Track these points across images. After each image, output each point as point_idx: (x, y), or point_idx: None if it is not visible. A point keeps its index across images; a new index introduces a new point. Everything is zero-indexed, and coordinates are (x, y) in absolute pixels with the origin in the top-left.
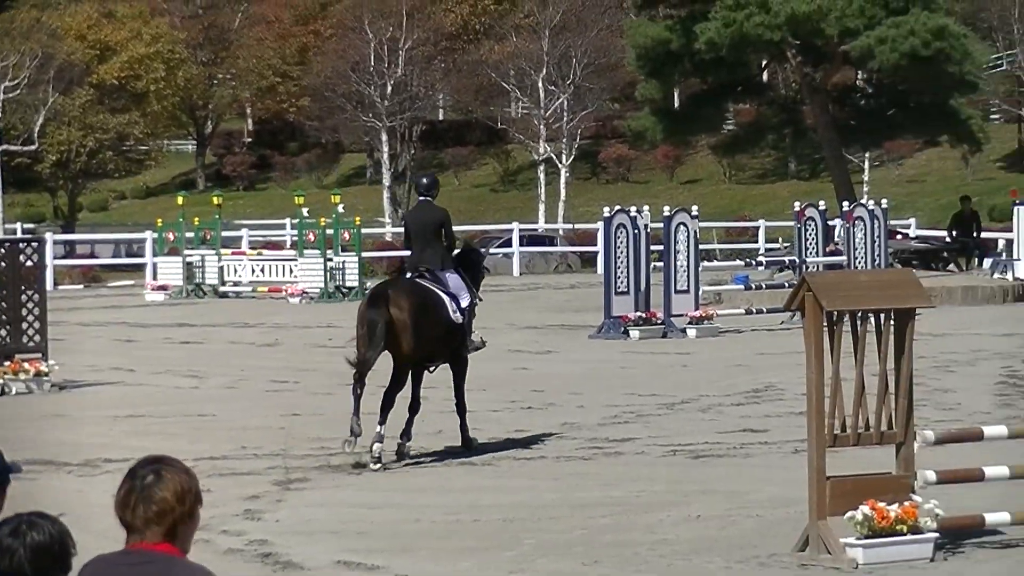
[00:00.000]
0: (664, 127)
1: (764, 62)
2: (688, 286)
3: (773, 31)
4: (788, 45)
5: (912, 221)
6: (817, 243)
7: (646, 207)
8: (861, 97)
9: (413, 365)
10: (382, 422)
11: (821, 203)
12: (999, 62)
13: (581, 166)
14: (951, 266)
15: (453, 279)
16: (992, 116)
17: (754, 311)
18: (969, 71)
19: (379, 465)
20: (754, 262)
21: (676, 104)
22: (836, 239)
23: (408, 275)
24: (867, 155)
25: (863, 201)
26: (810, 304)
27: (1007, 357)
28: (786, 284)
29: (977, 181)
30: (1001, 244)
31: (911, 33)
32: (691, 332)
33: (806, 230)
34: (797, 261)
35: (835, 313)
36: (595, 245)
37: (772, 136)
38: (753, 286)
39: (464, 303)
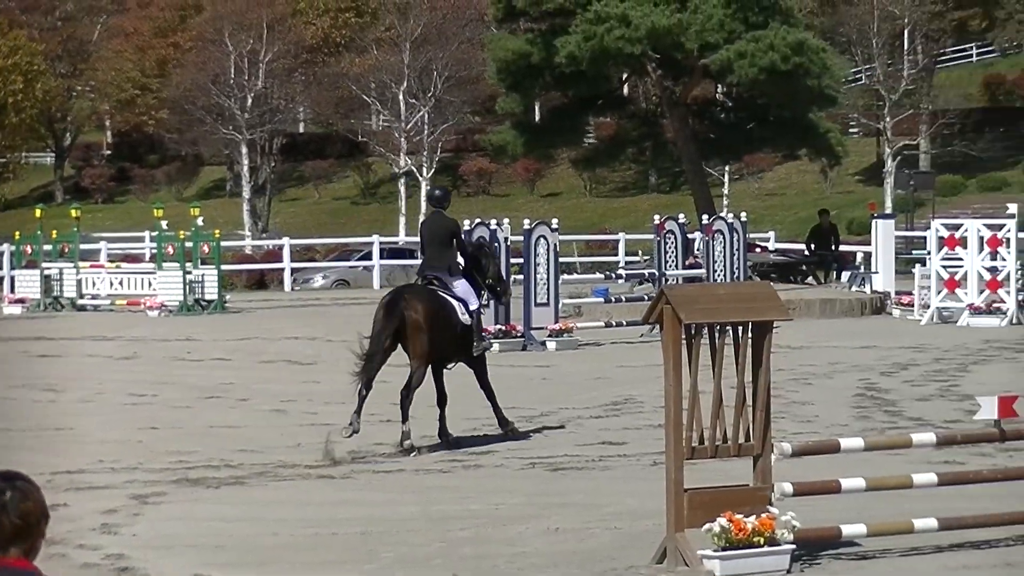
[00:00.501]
0: (525, 140)
1: (625, 76)
2: (548, 299)
3: (633, 45)
4: (648, 59)
5: (771, 234)
6: (677, 256)
7: (506, 220)
8: (721, 111)
9: (432, 365)
10: (404, 419)
11: (681, 216)
12: (857, 76)
13: (442, 179)
14: (809, 279)
15: (461, 285)
16: (851, 130)
17: (614, 324)
18: (828, 85)
19: (415, 453)
20: (614, 275)
21: (537, 118)
22: (696, 252)
23: (420, 281)
24: (727, 168)
25: (722, 214)
26: (668, 317)
27: (864, 370)
28: (645, 297)
29: (836, 194)
30: (859, 257)
31: (770, 48)
32: (551, 345)
33: (666, 243)
34: (656, 274)
35: (693, 326)
36: None
37: (632, 150)
38: (613, 299)
39: (472, 306)
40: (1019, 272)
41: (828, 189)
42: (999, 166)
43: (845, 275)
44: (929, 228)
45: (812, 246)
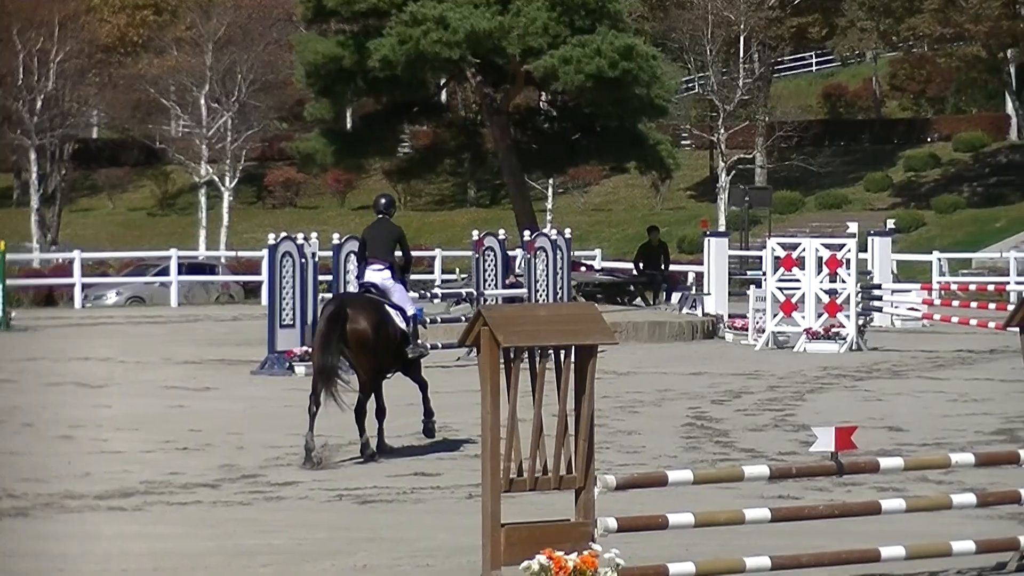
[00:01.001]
0: (335, 149)
1: (442, 82)
2: None
3: (452, 49)
4: (467, 64)
5: (597, 252)
6: (496, 274)
7: (315, 235)
8: (544, 120)
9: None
10: (362, 431)
11: (501, 232)
12: (690, 85)
13: (246, 190)
14: (637, 300)
15: (398, 291)
16: (683, 142)
17: (428, 347)
18: (658, 94)
19: (377, 459)
20: (429, 294)
21: (348, 125)
22: (516, 270)
23: (358, 289)
24: (551, 181)
25: (546, 230)
26: (486, 339)
27: (695, 397)
28: (463, 318)
29: (666, 210)
30: (690, 277)
31: (597, 53)
32: None
33: (485, 260)
34: (475, 293)
35: (512, 349)
36: (259, 274)
37: (450, 160)
38: (428, 320)
39: (409, 312)
40: (859, 295)
41: (658, 204)
42: (839, 182)
43: (675, 296)
44: (765, 247)
45: (641, 265)
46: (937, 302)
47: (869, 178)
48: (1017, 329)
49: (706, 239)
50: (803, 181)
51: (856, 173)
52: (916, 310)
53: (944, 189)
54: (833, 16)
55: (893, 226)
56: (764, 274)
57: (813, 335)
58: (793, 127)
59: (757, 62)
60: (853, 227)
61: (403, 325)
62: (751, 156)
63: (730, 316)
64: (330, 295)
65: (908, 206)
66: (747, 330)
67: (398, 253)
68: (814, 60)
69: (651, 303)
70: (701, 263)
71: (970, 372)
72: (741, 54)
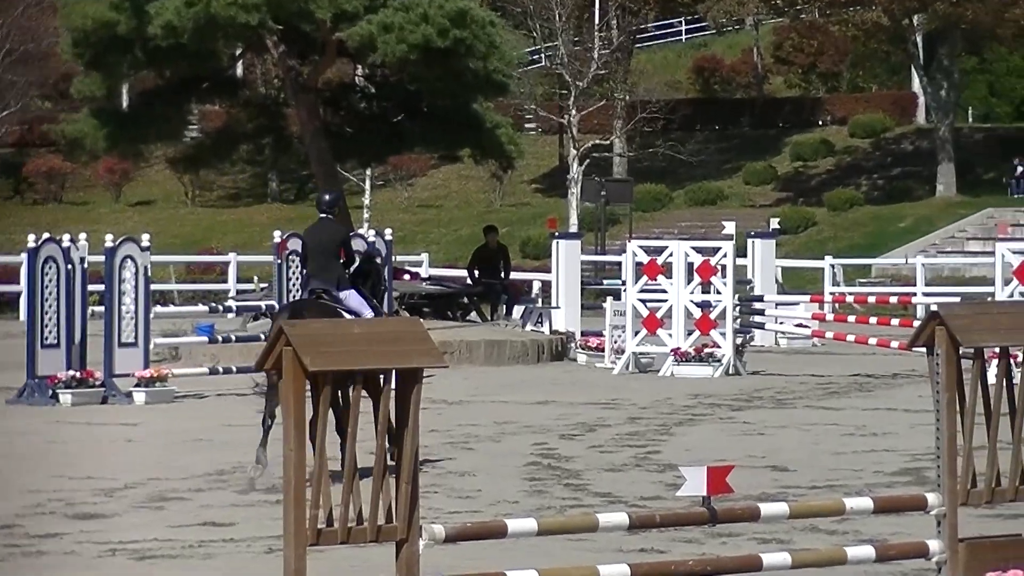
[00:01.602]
0: (108, 133)
1: (238, 52)
2: (136, 338)
3: (249, 13)
4: (268, 31)
5: (424, 257)
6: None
7: (83, 236)
8: (361, 98)
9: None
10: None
11: None
12: (536, 57)
13: (1, 182)
14: (472, 315)
15: (352, 297)
16: (527, 126)
17: (220, 370)
18: (497, 68)
19: None
20: (223, 307)
21: (124, 104)
22: None
23: (305, 295)
24: (368, 172)
25: (362, 231)
26: (289, 362)
27: (541, 431)
28: (262, 336)
29: (507, 207)
30: (535, 287)
31: (424, 19)
32: (139, 397)
33: (289, 267)
34: (276, 306)
35: (320, 374)
36: (17, 284)
37: (247, 146)
38: (220, 338)
39: (367, 317)
40: (737, 309)
41: (497, 200)
42: (713, 173)
43: (518, 310)
44: (624, 251)
45: (476, 273)
46: (830, 317)
47: (749, 169)
48: (924, 350)
49: (555, 242)
50: (671, 172)
51: (734, 163)
52: (805, 327)
53: (838, 182)
54: None
55: (777, 226)
56: (623, 283)
57: (682, 357)
58: (659, 107)
59: (616, 30)
60: (730, 227)
61: None
62: (608, 142)
63: (583, 334)
64: (100, 308)
65: (796, 202)
66: (603, 350)
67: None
68: (684, 28)
69: (488, 318)
70: (549, 270)
71: (869, 401)
72: (596, 20)
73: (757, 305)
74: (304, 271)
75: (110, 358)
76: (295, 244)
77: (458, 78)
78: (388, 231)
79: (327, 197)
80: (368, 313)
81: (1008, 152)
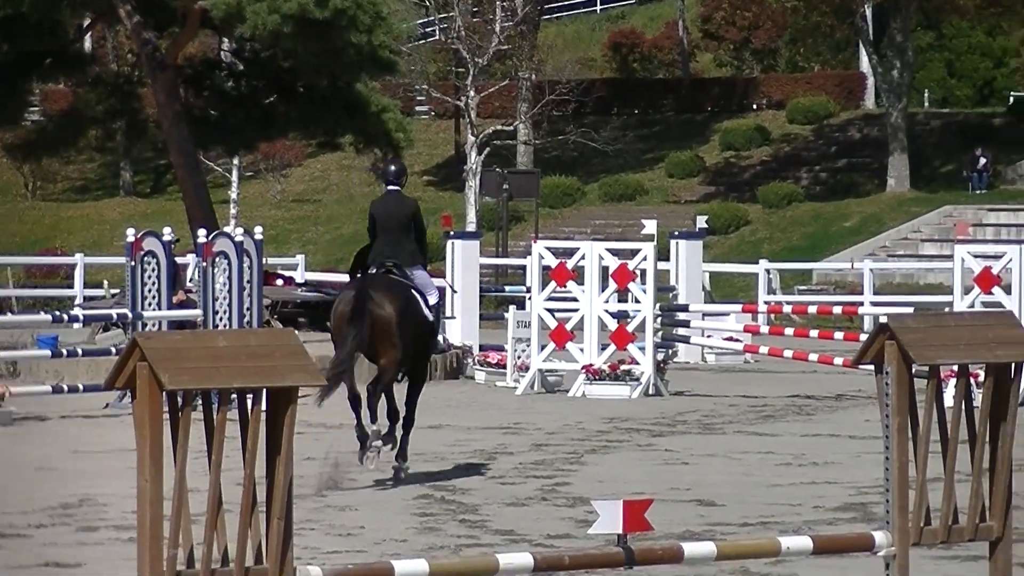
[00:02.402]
0: None
1: (86, 23)
2: None
3: None
4: (121, 0)
5: (300, 259)
6: (160, 289)
7: None
8: (227, 77)
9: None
10: (373, 419)
11: (167, 231)
12: (428, 31)
13: None
14: None
15: (420, 275)
16: (419, 109)
17: (65, 389)
18: (383, 43)
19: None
20: (68, 316)
21: None
22: (189, 283)
23: (374, 270)
24: (236, 162)
25: (229, 229)
26: (144, 380)
27: (432, 460)
28: (114, 349)
29: None
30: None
31: None
32: None
33: (144, 270)
34: (130, 316)
35: (180, 393)
36: None
37: (97, 131)
38: (65, 352)
39: (432, 300)
40: (658, 320)
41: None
42: (632, 164)
43: None
44: (530, 254)
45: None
46: (765, 330)
47: (673, 159)
48: (872, 367)
49: (449, 242)
50: (583, 163)
51: (655, 153)
52: (736, 341)
53: (775, 174)
54: None
55: (705, 225)
56: (528, 291)
57: (595, 374)
58: (569, 89)
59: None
60: (651, 226)
61: (429, 315)
62: (512, 128)
63: (481, 348)
64: None
65: (726, 198)
66: (504, 367)
67: None
68: None
69: None
70: (442, 274)
71: (808, 425)
72: None
73: (681, 316)
74: (372, 245)
75: None
76: (151, 244)
77: (339, 54)
78: (258, 229)
79: (393, 168)
80: (434, 297)
81: (968, 141)
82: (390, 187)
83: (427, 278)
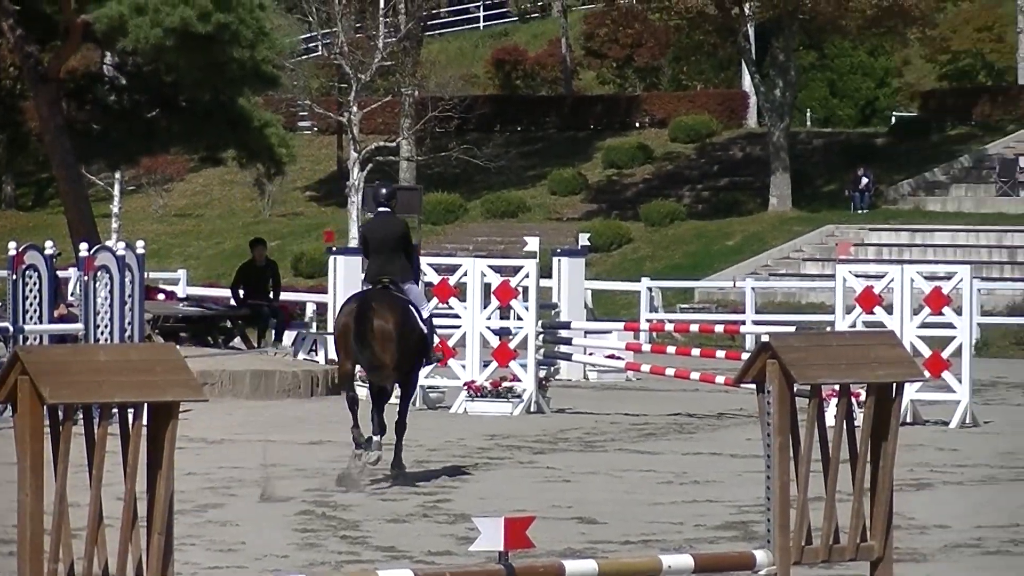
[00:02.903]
0: None
1: None
2: None
3: None
4: (3, 12)
5: (181, 274)
6: (41, 303)
7: None
8: (110, 91)
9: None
10: (381, 433)
11: (49, 245)
12: (311, 46)
13: None
14: (237, 340)
15: (413, 289)
16: (301, 124)
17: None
18: (266, 58)
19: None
20: None
21: None
22: (71, 297)
23: (369, 287)
24: (118, 176)
25: (111, 243)
26: (25, 394)
27: (314, 476)
28: None
29: (277, 217)
30: (309, 310)
31: (183, 0)
32: None
33: (25, 284)
34: (11, 329)
35: (61, 407)
36: None
37: None
38: None
39: (426, 313)
40: (540, 337)
41: (266, 209)
42: (514, 181)
43: (289, 336)
44: None
45: (241, 292)
46: (647, 348)
47: (555, 176)
48: (753, 386)
49: (332, 258)
50: (466, 179)
51: (538, 170)
52: (618, 358)
53: (657, 192)
54: None
55: (587, 243)
56: None
57: (477, 391)
58: (452, 105)
59: (404, 15)
60: (533, 243)
61: (423, 328)
62: (394, 144)
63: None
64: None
65: (608, 215)
66: None
67: None
68: (481, 14)
69: (255, 345)
70: (325, 291)
71: (690, 444)
72: (382, 3)
73: (563, 333)
74: (366, 266)
75: None
76: (33, 258)
77: (221, 69)
78: (140, 243)
79: (384, 191)
80: (427, 310)
81: (851, 161)
82: (381, 208)
83: (420, 292)
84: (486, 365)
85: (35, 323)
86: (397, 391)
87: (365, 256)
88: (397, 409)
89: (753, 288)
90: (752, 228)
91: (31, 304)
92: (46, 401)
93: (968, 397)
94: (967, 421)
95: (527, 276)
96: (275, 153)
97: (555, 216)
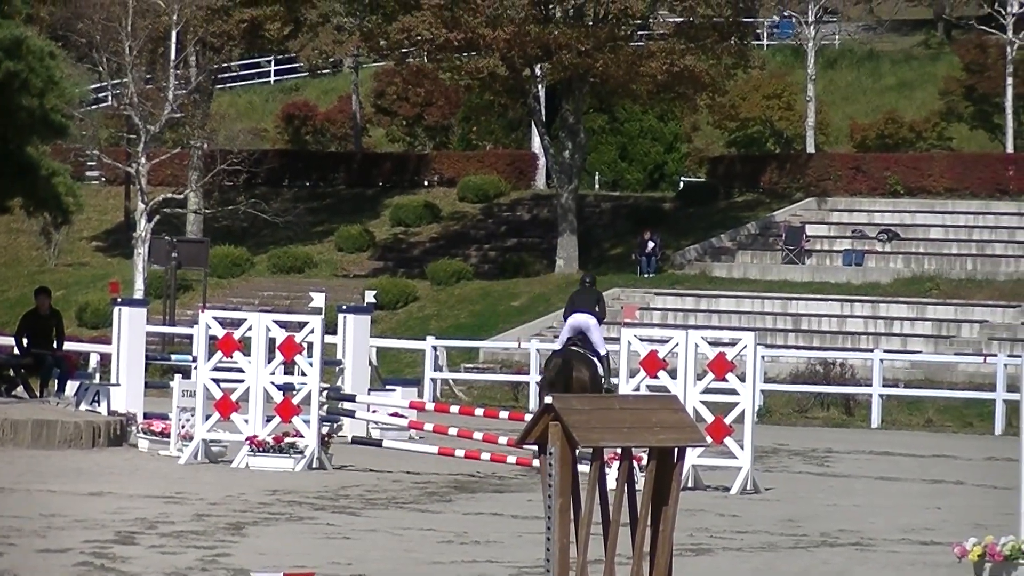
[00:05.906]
0: None
1: None
2: None
3: None
4: None
5: None
6: None
7: None
8: None
9: None
10: None
11: None
12: (101, 96)
13: None
14: (19, 389)
15: (597, 330)
16: (89, 174)
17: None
18: (55, 107)
19: None
20: None
21: None
22: None
23: (571, 346)
24: None
25: None
26: None
27: (93, 527)
28: None
29: (63, 267)
30: (93, 361)
31: None
32: None
33: None
34: None
35: None
36: None
37: None
38: None
39: (602, 352)
40: (324, 394)
41: (52, 259)
42: (302, 236)
43: (72, 386)
44: (197, 323)
45: (25, 341)
46: (430, 406)
47: (343, 233)
48: (536, 447)
49: (117, 309)
50: (253, 234)
51: (326, 225)
52: (402, 416)
53: (444, 251)
54: (301, 7)
55: (373, 300)
56: (195, 360)
57: (259, 446)
58: (241, 159)
59: (195, 67)
60: (319, 299)
61: (600, 369)
62: (182, 197)
63: (146, 416)
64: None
65: (395, 273)
66: (168, 436)
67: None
68: (273, 68)
69: (38, 394)
70: (109, 341)
71: (472, 504)
72: (172, 55)
73: (348, 390)
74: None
75: None
76: None
77: (10, 117)
78: None
79: (588, 279)
80: (603, 349)
81: (638, 225)
82: (584, 284)
83: (600, 334)
84: (269, 420)
85: None
86: None
87: (567, 313)
88: None
89: (537, 349)
90: (538, 289)
91: None
92: None
93: (750, 463)
94: (748, 487)
95: (312, 332)
96: (62, 202)
97: (342, 272)
